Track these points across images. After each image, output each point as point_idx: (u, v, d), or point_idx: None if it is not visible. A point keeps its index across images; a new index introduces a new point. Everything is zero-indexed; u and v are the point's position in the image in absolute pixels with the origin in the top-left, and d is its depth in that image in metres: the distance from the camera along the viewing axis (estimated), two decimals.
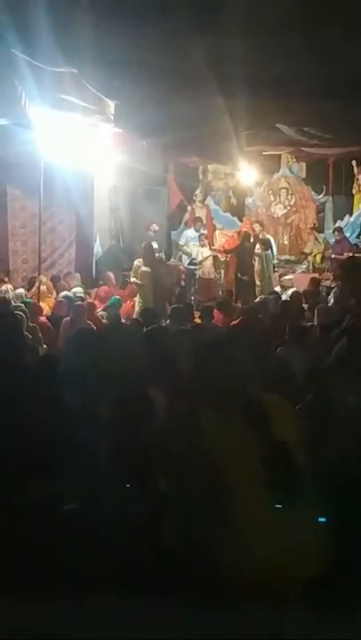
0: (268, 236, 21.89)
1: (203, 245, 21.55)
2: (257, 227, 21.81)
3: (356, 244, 21.90)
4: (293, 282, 19.04)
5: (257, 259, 20.62)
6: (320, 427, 5.11)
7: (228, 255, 21.47)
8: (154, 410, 5.23)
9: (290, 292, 17.40)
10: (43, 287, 16.03)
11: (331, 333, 9.69)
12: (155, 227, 21.69)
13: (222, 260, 21.72)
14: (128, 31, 10.26)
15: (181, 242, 22.83)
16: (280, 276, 20.29)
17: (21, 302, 13.74)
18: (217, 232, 23.31)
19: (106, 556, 4.12)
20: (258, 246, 20.83)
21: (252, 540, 3.80)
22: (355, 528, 4.16)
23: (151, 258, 17.83)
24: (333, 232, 22.35)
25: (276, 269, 21.76)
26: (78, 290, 16.07)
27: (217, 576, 3.78)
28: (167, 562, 4.00)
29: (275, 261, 22.05)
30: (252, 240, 20.85)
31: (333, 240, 22.23)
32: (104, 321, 13.27)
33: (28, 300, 14.42)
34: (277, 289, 18.69)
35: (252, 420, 4.02)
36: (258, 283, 20.40)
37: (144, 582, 3.98)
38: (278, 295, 16.90)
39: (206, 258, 21.21)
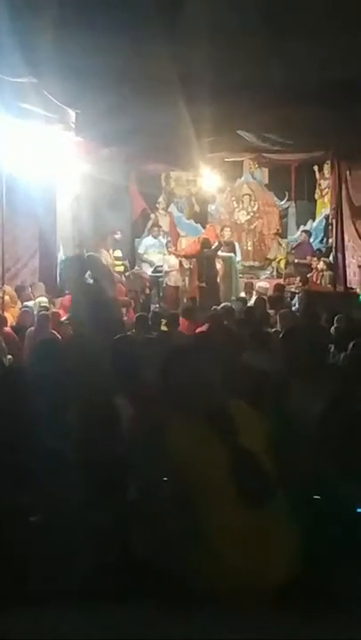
0: (233, 240, 21.99)
1: (169, 253, 21.56)
2: (227, 231, 21.89)
3: (318, 249, 22.01)
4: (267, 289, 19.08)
5: (221, 262, 20.62)
6: (284, 433, 5.10)
7: (192, 262, 21.43)
8: (121, 419, 5.20)
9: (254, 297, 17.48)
10: (6, 297, 15.92)
11: (294, 338, 9.71)
12: (117, 235, 21.69)
13: (187, 267, 21.69)
14: (88, 39, 10.25)
15: (141, 250, 22.84)
16: (246, 283, 20.35)
17: None
18: (182, 239, 23.29)
19: (75, 566, 4.09)
20: (221, 249, 20.87)
21: (222, 547, 3.80)
22: (325, 533, 4.17)
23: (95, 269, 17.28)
24: (301, 233, 22.47)
25: (240, 275, 21.82)
26: (42, 299, 15.99)
27: (188, 585, 3.77)
28: (137, 572, 3.99)
29: (239, 267, 22.09)
30: (213, 247, 20.81)
31: (296, 242, 22.35)
32: (69, 330, 13.21)
33: None
34: (242, 294, 18.76)
35: (220, 427, 4.02)
36: (222, 288, 20.41)
37: (113, 593, 3.97)
38: (245, 300, 16.94)
39: (172, 267, 21.20)
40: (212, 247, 20.69)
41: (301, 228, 23.15)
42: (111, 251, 21.39)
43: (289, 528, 3.98)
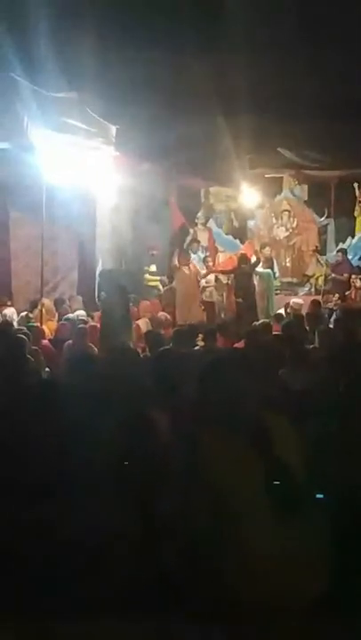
0: (272, 257, 21.98)
1: (207, 269, 21.53)
2: (267, 250, 21.82)
3: (358, 266, 21.90)
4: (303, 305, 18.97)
5: (257, 278, 20.57)
6: (321, 448, 5.09)
7: (230, 278, 21.38)
8: (155, 432, 5.21)
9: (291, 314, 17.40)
10: (44, 310, 16.01)
11: (333, 356, 9.69)
12: (154, 251, 21.75)
13: (224, 282, 21.65)
14: (129, 56, 10.33)
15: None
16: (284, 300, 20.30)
17: (27, 325, 13.73)
18: (220, 254, 23.24)
19: (107, 577, 4.10)
20: (261, 264, 20.84)
21: (256, 561, 3.79)
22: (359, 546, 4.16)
23: (108, 286, 17.04)
24: (337, 253, 22.35)
25: (278, 292, 21.76)
26: (81, 312, 16.02)
27: (221, 598, 3.77)
28: (169, 584, 3.98)
29: (277, 283, 22.04)
30: (251, 262, 20.78)
31: (335, 260, 22.23)
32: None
33: (33, 323, 14.39)
34: (281, 311, 18.68)
35: (255, 442, 4.01)
36: (259, 304, 20.35)
37: (145, 604, 3.96)
38: (282, 317, 16.87)
39: (209, 282, 21.16)
40: (250, 263, 20.66)
41: (339, 246, 23.02)
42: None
43: (323, 542, 3.97)
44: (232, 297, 20.84)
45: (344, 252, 22.09)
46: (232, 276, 21.01)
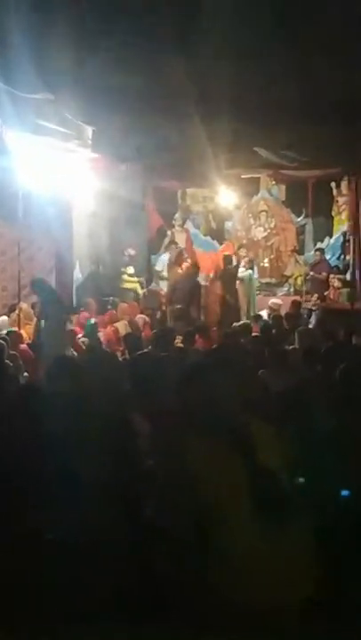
0: (252, 258, 22.04)
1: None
2: (243, 252, 21.89)
3: (336, 266, 21.94)
4: (282, 306, 18.99)
5: (238, 282, 20.58)
6: (303, 451, 5.08)
7: (208, 279, 21.38)
8: (137, 436, 5.18)
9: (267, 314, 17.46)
10: (22, 314, 15.95)
11: (312, 356, 9.68)
12: (130, 251, 21.76)
13: (202, 284, 21.64)
14: (105, 56, 10.26)
15: (158, 267, 22.83)
16: (263, 300, 20.32)
17: (7, 331, 13.67)
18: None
19: (94, 584, 4.07)
20: (241, 266, 20.88)
21: (241, 565, 3.76)
22: (345, 549, 4.13)
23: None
24: (315, 252, 22.39)
25: (257, 292, 21.80)
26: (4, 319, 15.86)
27: (207, 602, 3.73)
28: (155, 589, 3.95)
29: (256, 284, 22.07)
30: (234, 263, 20.82)
31: (313, 260, 22.27)
32: (84, 347, 13.20)
33: (13, 329, 14.32)
34: (263, 312, 18.71)
35: (237, 445, 3.98)
36: (242, 306, 20.39)
37: (133, 610, 3.94)
38: (261, 319, 16.88)
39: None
40: (235, 264, 20.73)
41: (317, 245, 23.07)
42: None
43: (307, 545, 3.94)
44: (210, 298, 20.81)
45: (322, 251, 22.12)
46: (210, 277, 21.04)
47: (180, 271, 20.26)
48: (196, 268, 20.68)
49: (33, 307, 17.38)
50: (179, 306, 19.44)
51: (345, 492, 4.87)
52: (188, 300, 19.86)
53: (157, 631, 3.83)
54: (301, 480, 4.66)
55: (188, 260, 20.87)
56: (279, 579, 3.79)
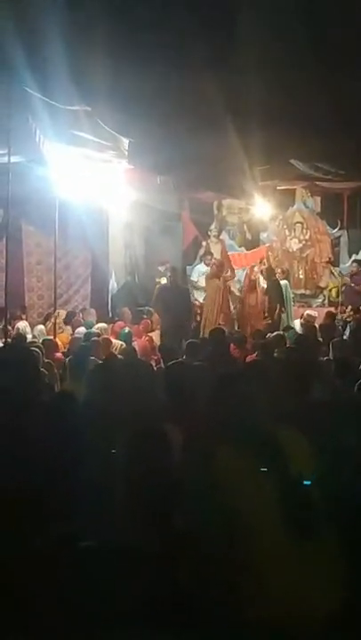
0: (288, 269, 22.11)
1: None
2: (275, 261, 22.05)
3: None
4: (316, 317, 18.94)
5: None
6: (336, 464, 5.07)
7: (241, 290, 21.39)
8: (169, 446, 5.20)
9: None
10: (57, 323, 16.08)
11: (346, 368, 9.67)
12: (161, 268, 21.80)
13: (237, 295, 21.64)
14: (141, 69, 10.32)
15: (194, 277, 22.83)
16: (297, 312, 20.32)
17: (43, 339, 13.75)
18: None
19: (123, 594, 4.08)
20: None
21: (269, 578, 3.77)
22: None
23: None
24: (352, 263, 22.34)
25: (292, 304, 21.81)
26: (103, 325, 15.80)
27: (234, 615, 3.74)
28: (184, 601, 3.97)
29: (291, 295, 22.11)
30: (277, 275, 20.89)
31: (350, 271, 22.23)
32: (119, 356, 13.23)
33: (48, 338, 14.39)
34: (296, 322, 18.69)
35: (269, 456, 3.99)
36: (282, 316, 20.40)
37: (161, 621, 3.94)
38: (295, 330, 16.85)
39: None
40: (277, 276, 20.81)
41: (353, 257, 23.02)
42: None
43: (337, 559, 3.94)
44: (246, 310, 20.78)
45: (359, 262, 22.08)
46: (243, 287, 21.08)
47: (217, 283, 20.23)
48: (272, 271, 20.94)
49: (67, 315, 17.51)
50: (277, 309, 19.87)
51: None
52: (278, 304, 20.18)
53: None
54: (332, 492, 4.65)
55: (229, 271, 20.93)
56: (306, 592, 3.79)
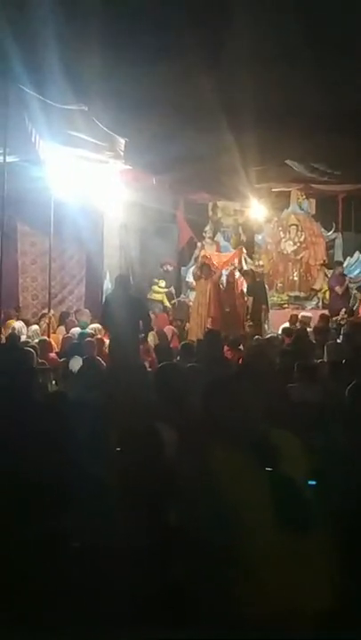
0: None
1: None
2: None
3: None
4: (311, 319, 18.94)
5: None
6: (327, 463, 5.08)
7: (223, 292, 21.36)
8: (162, 444, 5.20)
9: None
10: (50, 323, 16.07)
11: (340, 370, 9.68)
12: (168, 267, 21.82)
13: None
14: (137, 69, 10.33)
15: (189, 279, 22.82)
16: (291, 315, 20.31)
17: (39, 340, 13.75)
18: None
19: (115, 589, 4.09)
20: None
21: (262, 575, 3.77)
22: None
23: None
24: (338, 266, 22.43)
25: (285, 306, 21.83)
26: (97, 326, 15.72)
27: (226, 611, 3.75)
28: (176, 596, 3.97)
29: (285, 297, 22.11)
30: (257, 279, 20.94)
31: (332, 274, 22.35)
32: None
33: (43, 338, 14.38)
34: (286, 324, 18.70)
35: (262, 456, 4.00)
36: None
37: (153, 616, 3.96)
38: (290, 331, 16.84)
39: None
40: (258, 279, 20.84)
41: (347, 260, 23.06)
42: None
43: (330, 557, 3.95)
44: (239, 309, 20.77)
45: (341, 264, 22.18)
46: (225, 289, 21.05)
47: (203, 285, 20.13)
48: (254, 273, 21.09)
49: (60, 316, 17.50)
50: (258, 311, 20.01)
51: None
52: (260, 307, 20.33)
53: (176, 637, 3.85)
54: (325, 491, 4.66)
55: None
56: (300, 589, 3.80)
